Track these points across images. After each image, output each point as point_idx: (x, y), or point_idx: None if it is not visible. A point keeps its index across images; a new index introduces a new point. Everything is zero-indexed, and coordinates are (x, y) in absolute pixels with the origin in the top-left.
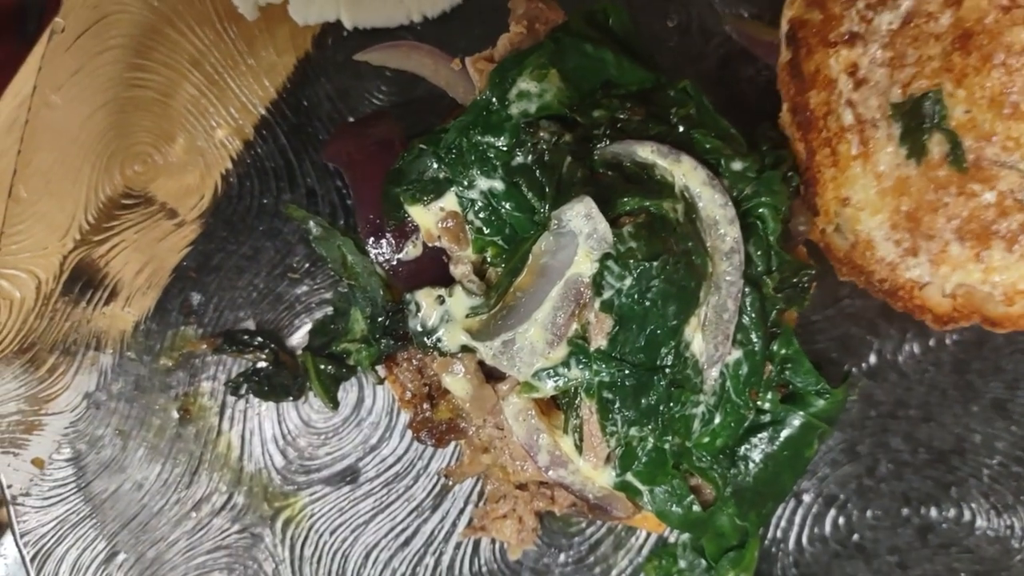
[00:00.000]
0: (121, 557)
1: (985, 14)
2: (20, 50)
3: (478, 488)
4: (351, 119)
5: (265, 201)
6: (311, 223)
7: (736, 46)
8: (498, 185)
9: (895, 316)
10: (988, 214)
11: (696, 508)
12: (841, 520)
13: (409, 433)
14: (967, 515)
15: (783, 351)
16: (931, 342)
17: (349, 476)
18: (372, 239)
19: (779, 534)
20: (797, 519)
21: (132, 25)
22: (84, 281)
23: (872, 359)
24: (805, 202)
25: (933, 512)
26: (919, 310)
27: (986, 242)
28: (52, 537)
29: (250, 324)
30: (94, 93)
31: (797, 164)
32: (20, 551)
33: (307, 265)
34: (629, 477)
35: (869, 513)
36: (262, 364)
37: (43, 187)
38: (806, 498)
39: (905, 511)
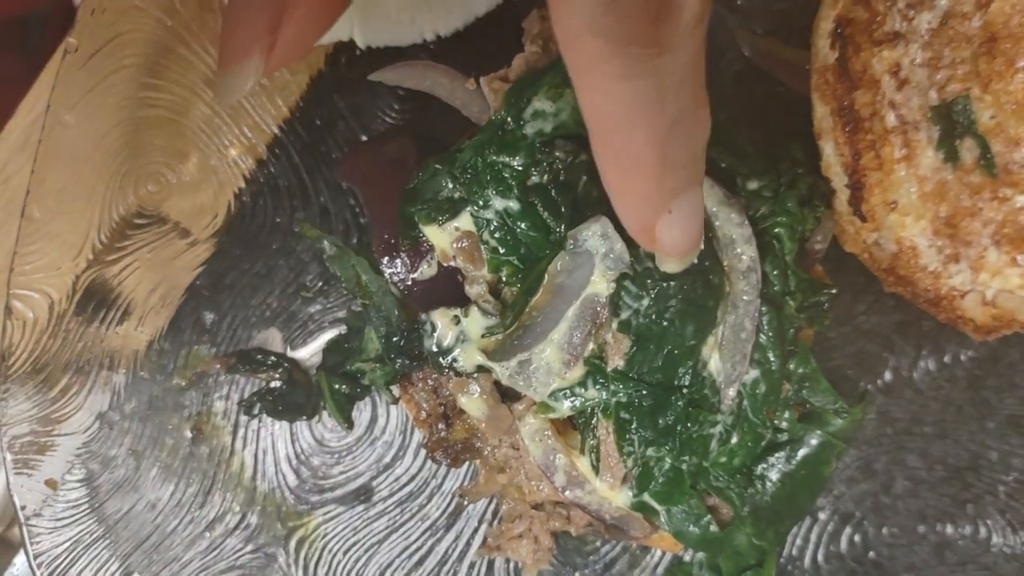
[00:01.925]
0: None
1: (1009, 18)
2: (22, 64)
3: (492, 507)
4: (364, 137)
5: (278, 220)
6: (325, 242)
7: (749, 63)
8: (514, 205)
9: (910, 332)
10: (1021, 218)
11: (713, 528)
12: (857, 537)
13: (423, 452)
14: (983, 532)
15: (800, 369)
16: (947, 358)
17: (363, 495)
18: (387, 259)
19: (795, 552)
20: (813, 536)
21: (145, 44)
22: (97, 301)
23: (887, 376)
24: (852, 208)
25: (949, 529)
26: (961, 320)
27: (1021, 246)
28: (66, 558)
29: (275, 337)
30: (108, 112)
31: (843, 168)
32: (34, 572)
33: (321, 283)
34: (646, 497)
35: (885, 530)
36: (275, 383)
37: (56, 207)
38: (822, 515)
39: (921, 528)
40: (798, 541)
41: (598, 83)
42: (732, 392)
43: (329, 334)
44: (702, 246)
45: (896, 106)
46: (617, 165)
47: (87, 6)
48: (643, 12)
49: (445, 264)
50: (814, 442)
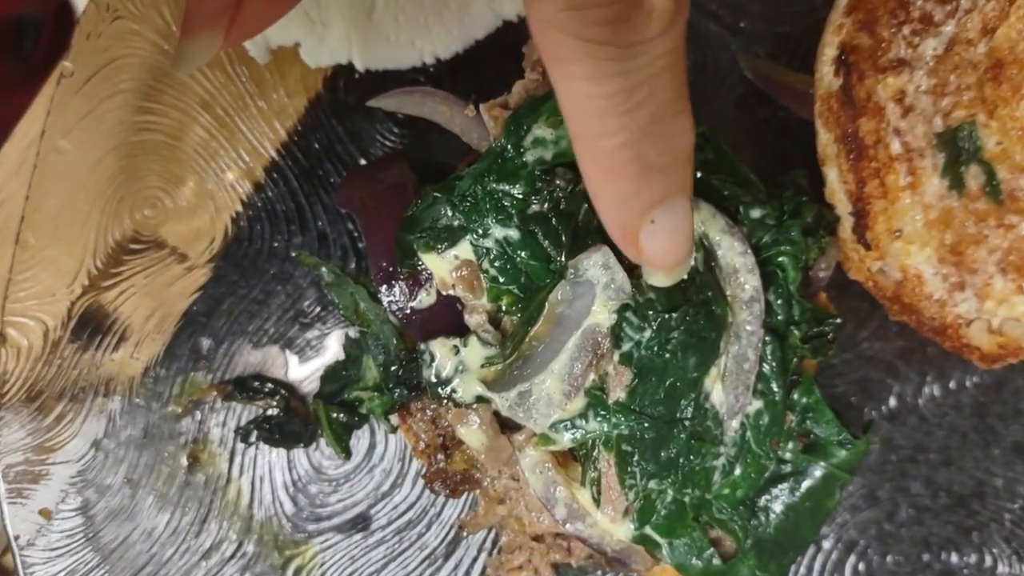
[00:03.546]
0: None
1: (1015, 44)
2: (16, 69)
3: (492, 537)
4: (363, 162)
5: (276, 244)
6: (323, 269)
7: (751, 87)
8: (513, 233)
9: (915, 359)
10: None
11: (716, 561)
12: (861, 566)
13: (421, 480)
14: (988, 560)
15: (804, 400)
16: (951, 384)
17: (361, 524)
18: (385, 287)
19: None
20: (817, 566)
21: (142, 68)
22: (92, 327)
23: (892, 402)
24: (856, 236)
25: (954, 557)
26: (966, 349)
27: None
28: None
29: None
30: (103, 137)
31: (847, 196)
32: None
33: (318, 309)
34: (648, 530)
35: (889, 559)
36: (272, 411)
37: (51, 233)
38: (826, 544)
39: (926, 556)
40: (802, 570)
41: (569, 81)
42: (735, 424)
43: (327, 361)
44: (692, 262)
45: (901, 133)
46: (594, 166)
47: (82, 30)
48: (606, 14)
49: (444, 293)
50: (818, 474)
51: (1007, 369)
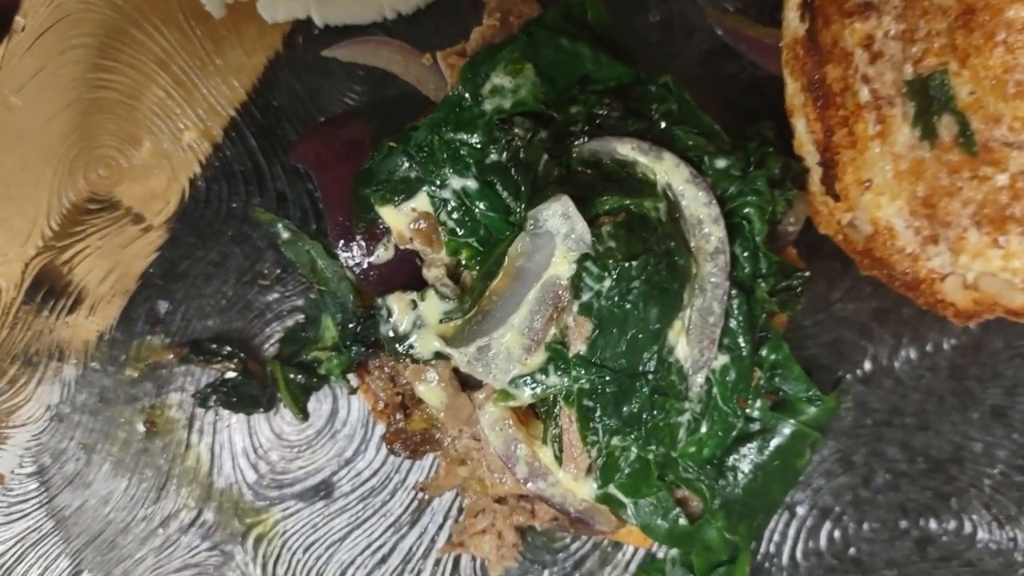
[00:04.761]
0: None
1: None
2: None
3: (457, 503)
4: (321, 120)
5: (234, 205)
6: (279, 226)
7: (719, 42)
8: (471, 184)
9: (889, 320)
10: (1002, 197)
11: (683, 521)
12: (837, 533)
13: (384, 443)
14: (968, 527)
15: (772, 356)
16: (928, 347)
17: (323, 491)
18: (342, 242)
19: (772, 548)
20: (791, 532)
21: (96, 24)
22: (47, 289)
23: (867, 365)
24: (825, 187)
25: (932, 524)
26: (941, 305)
27: (1003, 227)
28: (13, 555)
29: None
30: (56, 94)
31: (815, 146)
32: None
33: (278, 271)
34: (612, 489)
35: (866, 526)
36: (231, 374)
37: (3, 192)
38: (800, 510)
39: (903, 523)
40: (775, 537)
41: None
42: (700, 379)
43: (287, 323)
44: None
45: (869, 80)
46: None
47: None
48: None
49: (402, 247)
50: (787, 432)
51: (985, 330)
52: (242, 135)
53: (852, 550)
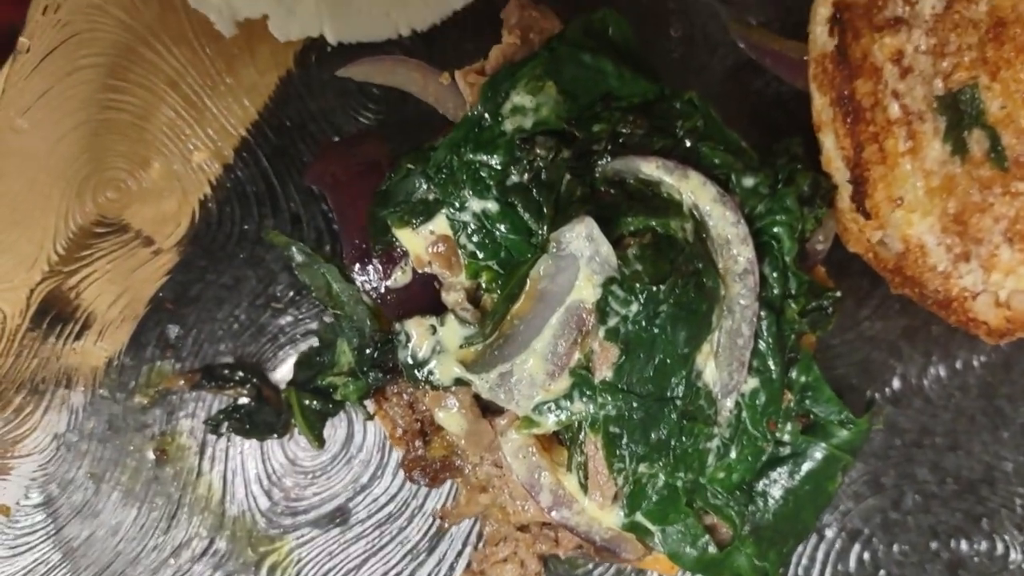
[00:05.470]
0: None
1: (1018, 2)
2: None
3: (476, 529)
4: (336, 139)
5: (246, 227)
6: (293, 249)
7: (743, 56)
8: (492, 206)
9: (918, 338)
10: None
11: (712, 548)
12: (866, 556)
13: (402, 471)
14: (1000, 548)
15: (802, 378)
16: (957, 365)
17: (339, 517)
18: (358, 265)
19: (801, 572)
20: (819, 556)
21: (104, 44)
22: (53, 315)
23: (895, 384)
24: (855, 205)
25: (963, 546)
26: (973, 323)
27: None
28: None
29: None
30: (64, 116)
31: (845, 162)
32: None
33: (291, 294)
34: (638, 517)
35: (896, 548)
36: (244, 400)
37: (9, 216)
38: (829, 533)
39: (934, 545)
40: (804, 560)
41: None
42: (730, 403)
43: (301, 347)
44: None
45: (899, 96)
46: None
47: (38, 4)
48: None
49: (420, 270)
50: (818, 455)
51: (1015, 347)
52: (254, 155)
53: (882, 573)
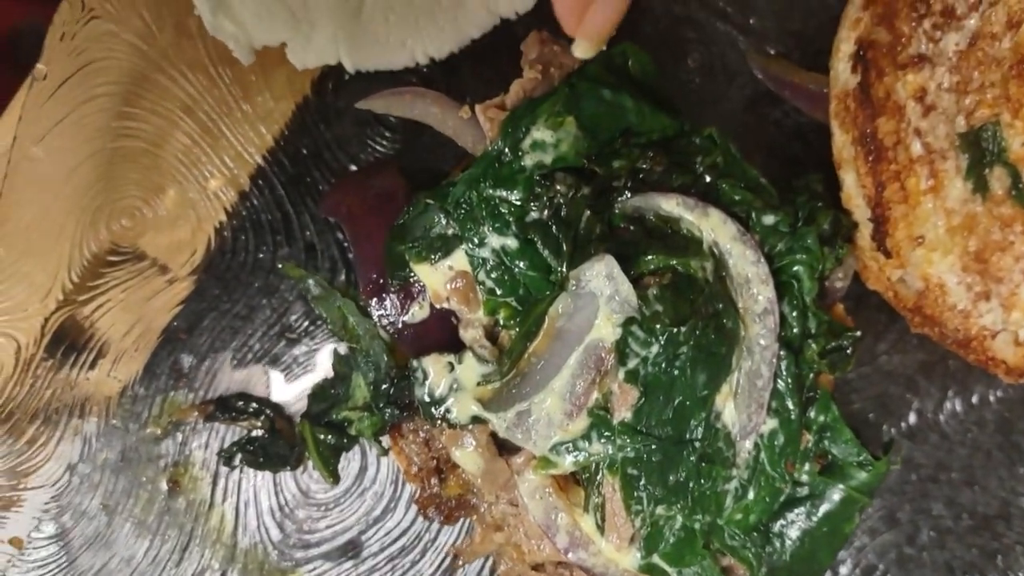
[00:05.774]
0: None
1: None
2: (13, 79)
3: (489, 565)
4: (352, 168)
5: (261, 256)
6: (310, 282)
7: (762, 87)
8: (511, 242)
9: (935, 373)
10: None
11: None
12: None
13: (415, 505)
14: None
15: (821, 418)
16: (974, 400)
17: (351, 550)
18: (375, 300)
19: None
20: None
21: (120, 72)
22: (67, 344)
23: (912, 419)
24: (876, 243)
25: None
26: (992, 362)
27: None
28: None
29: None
30: (79, 144)
31: (866, 201)
32: None
33: (306, 324)
34: (656, 559)
35: None
36: (257, 432)
37: (23, 245)
38: (843, 569)
39: None
40: None
41: None
42: (748, 444)
43: (315, 377)
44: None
45: (922, 134)
46: None
47: (55, 31)
48: None
49: (438, 306)
50: (836, 497)
51: None
52: (270, 183)
53: None
